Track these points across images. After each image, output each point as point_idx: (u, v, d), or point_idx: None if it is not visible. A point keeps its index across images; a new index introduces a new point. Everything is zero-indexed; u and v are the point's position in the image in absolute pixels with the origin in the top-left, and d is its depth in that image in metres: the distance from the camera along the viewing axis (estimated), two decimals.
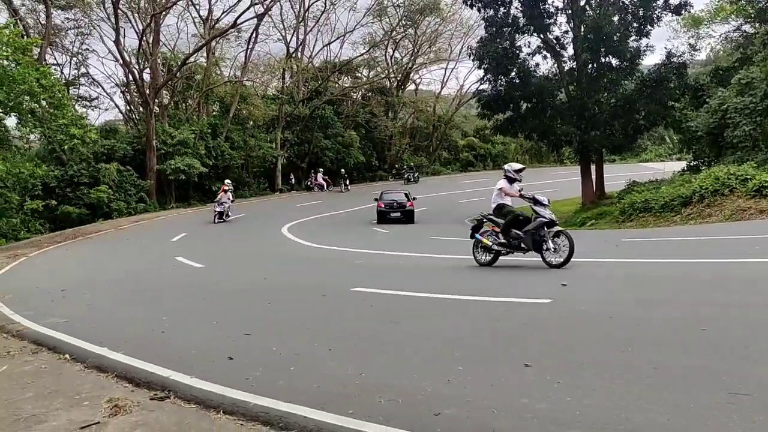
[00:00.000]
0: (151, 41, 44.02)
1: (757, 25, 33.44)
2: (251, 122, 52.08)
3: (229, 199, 32.41)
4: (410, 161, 63.69)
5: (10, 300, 12.03)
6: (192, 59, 46.94)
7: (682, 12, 30.92)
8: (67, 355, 7.22)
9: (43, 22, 41.35)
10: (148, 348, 7.21)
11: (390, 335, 7.32)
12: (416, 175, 55.99)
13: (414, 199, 33.03)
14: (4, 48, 23.71)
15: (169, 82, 46.72)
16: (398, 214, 31.70)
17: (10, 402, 5.58)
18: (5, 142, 26.18)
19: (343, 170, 53.42)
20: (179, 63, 45.71)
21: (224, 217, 31.59)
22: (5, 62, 23.68)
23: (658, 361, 5.41)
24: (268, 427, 4.58)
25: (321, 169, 53.27)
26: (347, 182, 51.86)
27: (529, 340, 6.58)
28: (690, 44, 36.84)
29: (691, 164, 30.20)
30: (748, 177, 20.47)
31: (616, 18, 28.84)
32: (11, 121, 27.57)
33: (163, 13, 44.06)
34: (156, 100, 43.68)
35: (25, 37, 31.45)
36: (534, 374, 5.31)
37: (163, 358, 6.64)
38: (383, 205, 32.19)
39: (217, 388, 5.46)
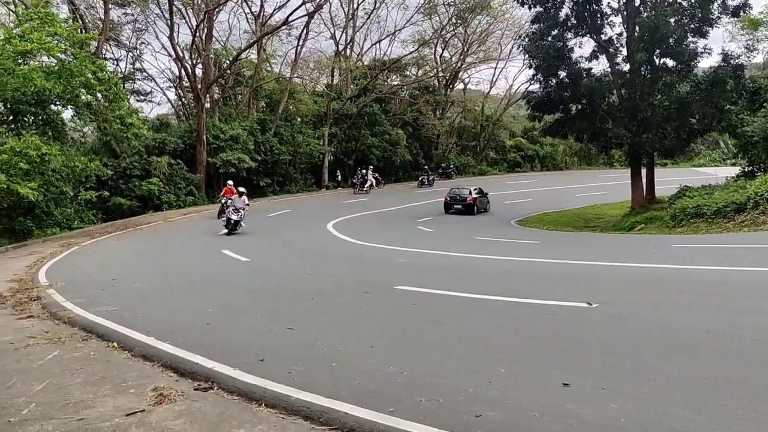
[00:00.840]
0: (204, 37, 44.81)
1: None
2: (299, 118, 52.50)
3: (245, 203, 24.74)
4: (455, 160, 63.26)
5: (62, 288, 12.40)
6: (243, 55, 47.58)
7: (741, 13, 29.97)
8: (115, 343, 7.40)
9: (100, 17, 42.45)
10: (193, 339, 7.33)
11: (432, 334, 7.29)
12: (431, 178, 53.23)
13: (485, 194, 37.32)
14: (62, 42, 24.40)
15: (220, 78, 47.47)
16: (459, 206, 35.54)
17: (60, 387, 5.75)
18: (62, 134, 26.94)
19: (360, 168, 50.85)
20: (231, 59, 46.40)
21: (237, 228, 24.14)
22: (63, 56, 24.37)
23: (703, 369, 5.28)
24: (309, 422, 4.61)
25: (371, 166, 52.54)
26: (369, 183, 48.77)
27: (573, 344, 6.47)
28: (746, 46, 35.66)
29: (746, 170, 29.30)
30: None
31: (672, 19, 28.10)
32: (67, 114, 28.38)
33: (217, 9, 44.77)
34: (207, 95, 44.44)
35: (83, 31, 32.33)
36: (577, 379, 5.22)
37: (207, 349, 6.75)
38: (448, 198, 36.24)
39: (260, 381, 5.52)
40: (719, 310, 7.88)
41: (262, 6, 48.44)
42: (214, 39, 47.51)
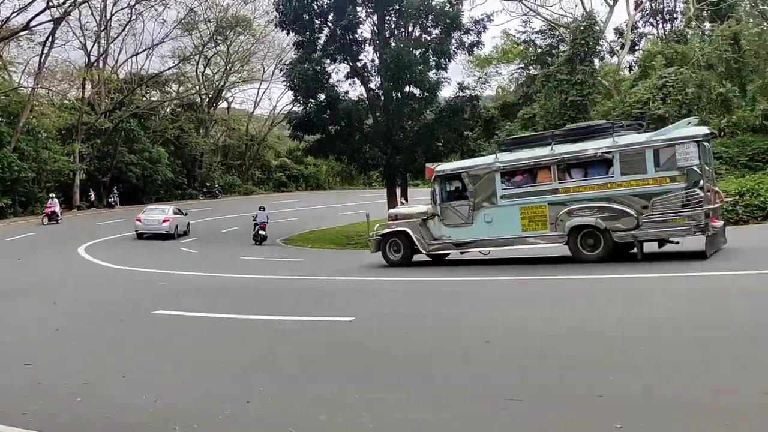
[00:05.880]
0: None
1: (538, 67, 37.54)
2: (44, 133, 47.94)
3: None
4: (221, 180, 62.15)
5: None
6: None
7: (474, 50, 33.74)
8: None
9: None
10: None
11: (189, 359, 7.11)
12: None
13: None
14: None
15: None
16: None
17: None
18: None
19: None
20: None
21: None
22: None
23: (445, 372, 5.76)
24: None
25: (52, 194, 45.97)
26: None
27: (333, 358, 6.71)
28: (479, 79, 40.41)
29: None
30: None
31: (418, 51, 30.56)
32: None
33: None
34: None
35: None
36: (336, 391, 5.43)
37: None
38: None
39: None
40: (468, 316, 8.67)
41: None
42: None
